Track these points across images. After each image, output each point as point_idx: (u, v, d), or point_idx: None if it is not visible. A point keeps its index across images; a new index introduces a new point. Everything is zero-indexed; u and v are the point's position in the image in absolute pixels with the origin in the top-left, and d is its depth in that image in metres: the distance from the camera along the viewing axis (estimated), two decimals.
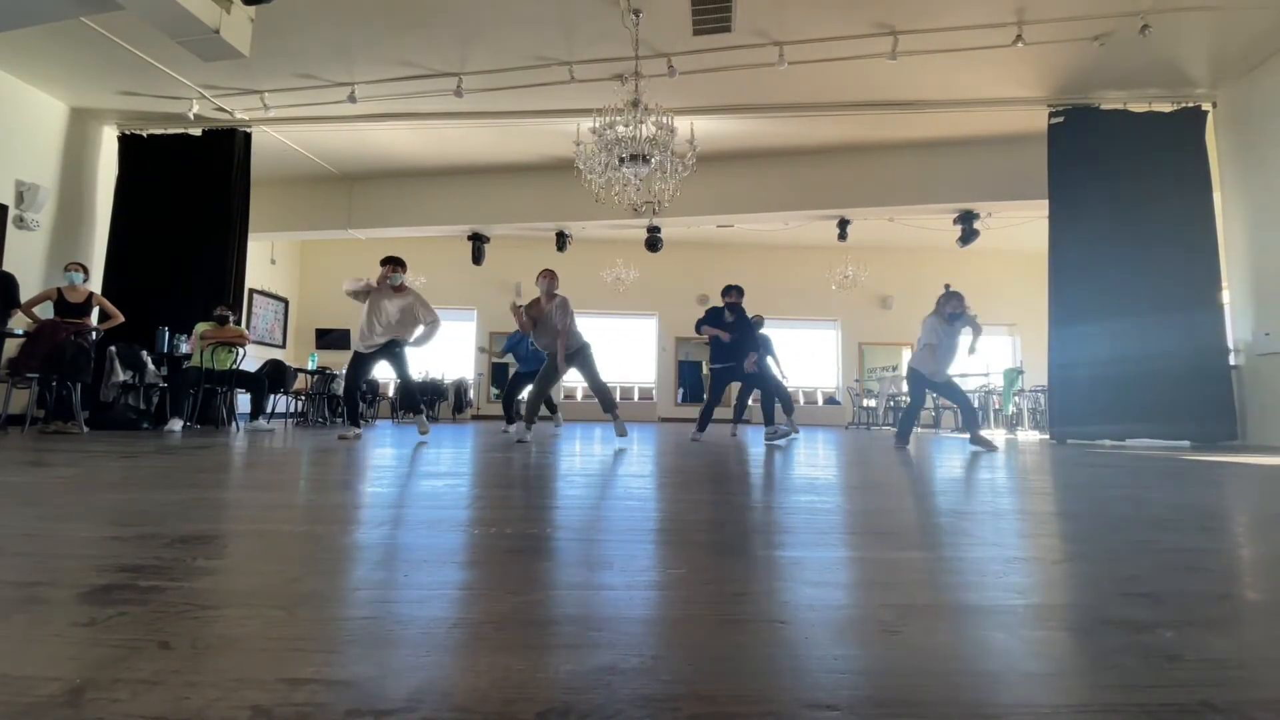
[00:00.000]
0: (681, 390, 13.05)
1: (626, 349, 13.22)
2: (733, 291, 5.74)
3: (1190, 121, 6.58)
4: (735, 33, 5.80)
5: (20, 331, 5.37)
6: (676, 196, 6.21)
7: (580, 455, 3.74)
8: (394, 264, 5.08)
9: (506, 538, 1.35)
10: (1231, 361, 6.28)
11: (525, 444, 4.67)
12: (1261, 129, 6.16)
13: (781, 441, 5.45)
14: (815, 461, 3.54)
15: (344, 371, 5.28)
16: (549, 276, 5.04)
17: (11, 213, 6.53)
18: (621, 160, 5.57)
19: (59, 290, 5.79)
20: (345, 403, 5.24)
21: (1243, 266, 6.35)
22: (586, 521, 1.57)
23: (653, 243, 9.81)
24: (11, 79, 6.52)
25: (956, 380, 5.38)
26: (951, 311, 5.12)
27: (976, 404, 11.03)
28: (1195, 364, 6.16)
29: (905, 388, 5.82)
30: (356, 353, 5.13)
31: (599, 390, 5.05)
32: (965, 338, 5.23)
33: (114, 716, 0.55)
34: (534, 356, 7.14)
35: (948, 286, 5.32)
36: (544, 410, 7.35)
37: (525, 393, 7.43)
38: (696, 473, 2.81)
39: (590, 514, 1.69)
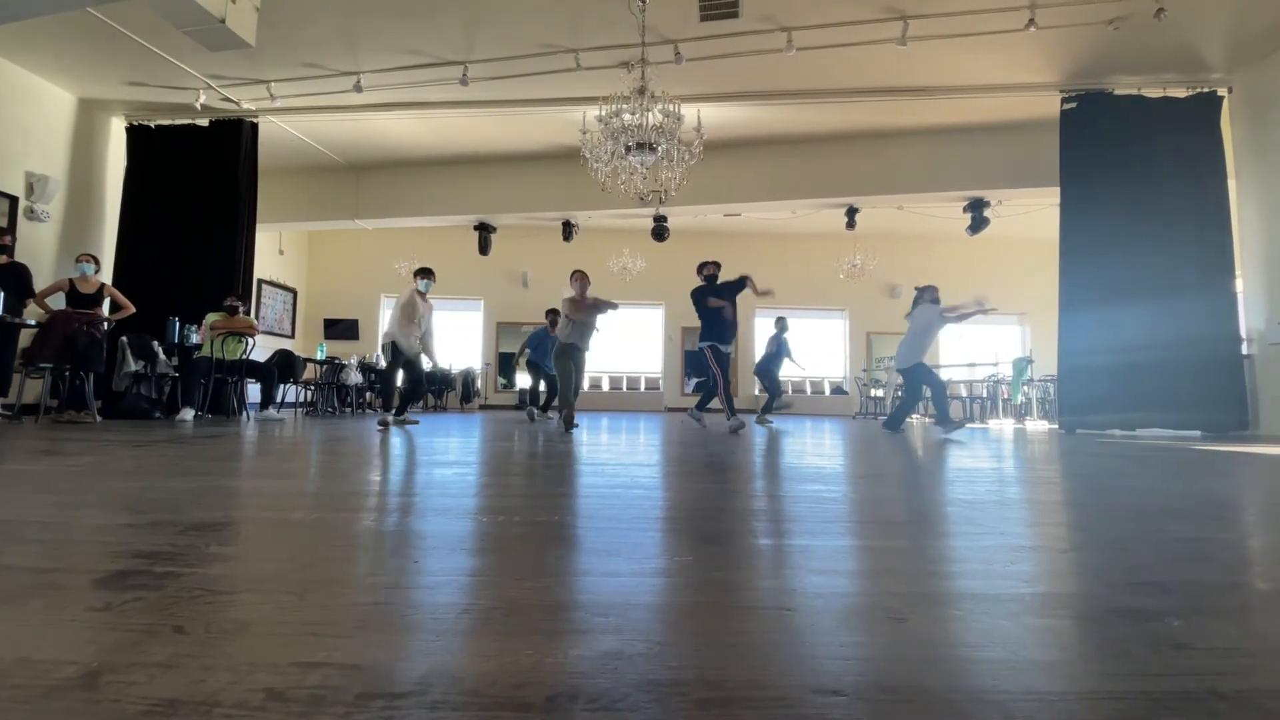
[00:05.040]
0: (692, 380, 13.01)
1: (633, 338, 13.21)
2: (711, 265, 5.97)
3: (1205, 107, 6.47)
4: (743, 18, 5.73)
5: (33, 322, 5.42)
6: (683, 185, 6.17)
7: (588, 444, 3.75)
8: (424, 274, 5.63)
9: (515, 525, 1.36)
10: (1244, 350, 6.21)
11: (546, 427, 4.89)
12: (1279, 115, 6.05)
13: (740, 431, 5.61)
14: (821, 451, 3.54)
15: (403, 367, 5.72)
16: (582, 278, 5.49)
17: (22, 204, 6.57)
18: (628, 149, 5.53)
19: (70, 281, 5.83)
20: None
21: (1257, 254, 6.26)
22: (594, 509, 1.58)
23: (659, 232, 9.77)
24: (20, 70, 6.54)
25: (939, 369, 5.60)
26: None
27: (985, 394, 11.03)
28: (1207, 353, 6.09)
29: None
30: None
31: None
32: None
33: (130, 699, 0.56)
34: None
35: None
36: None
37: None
38: (702, 462, 2.82)
39: (598, 502, 1.69)
